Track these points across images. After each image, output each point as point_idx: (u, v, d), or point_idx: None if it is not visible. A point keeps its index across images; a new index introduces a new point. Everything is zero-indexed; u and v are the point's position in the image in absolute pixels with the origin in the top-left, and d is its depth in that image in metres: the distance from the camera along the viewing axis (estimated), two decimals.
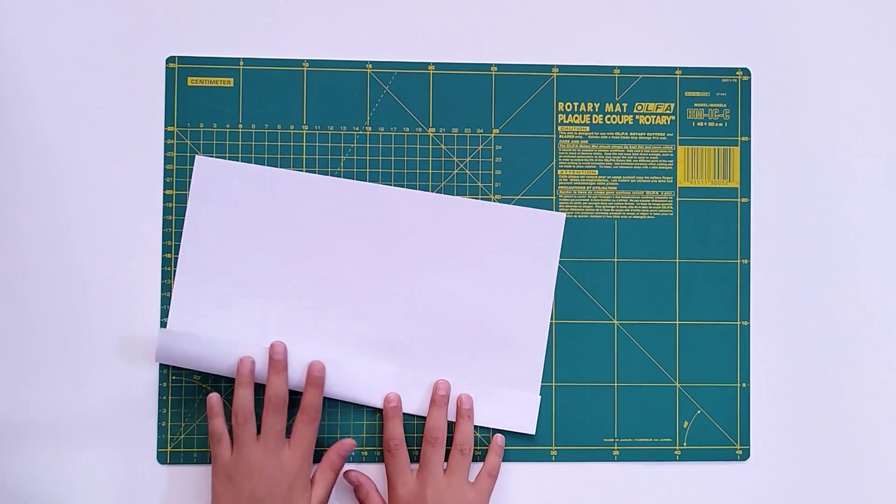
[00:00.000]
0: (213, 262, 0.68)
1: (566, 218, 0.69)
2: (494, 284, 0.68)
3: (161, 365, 0.68)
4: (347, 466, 0.67)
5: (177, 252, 0.68)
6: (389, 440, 0.66)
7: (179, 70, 0.69)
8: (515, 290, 0.69)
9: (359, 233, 0.68)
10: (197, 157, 0.68)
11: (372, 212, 0.68)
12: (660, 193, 0.70)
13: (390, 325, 0.68)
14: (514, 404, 0.68)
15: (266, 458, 0.63)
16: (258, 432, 0.64)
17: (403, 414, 0.68)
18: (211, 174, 0.68)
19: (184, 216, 0.68)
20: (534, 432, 0.68)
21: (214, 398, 0.65)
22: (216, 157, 0.68)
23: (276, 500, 0.62)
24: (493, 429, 0.69)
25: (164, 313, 0.68)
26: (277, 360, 0.64)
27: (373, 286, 0.68)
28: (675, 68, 0.70)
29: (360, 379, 0.68)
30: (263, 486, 0.62)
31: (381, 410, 0.68)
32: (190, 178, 0.68)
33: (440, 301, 0.68)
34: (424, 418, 0.68)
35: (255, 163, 0.69)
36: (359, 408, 0.68)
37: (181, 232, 0.68)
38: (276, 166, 0.69)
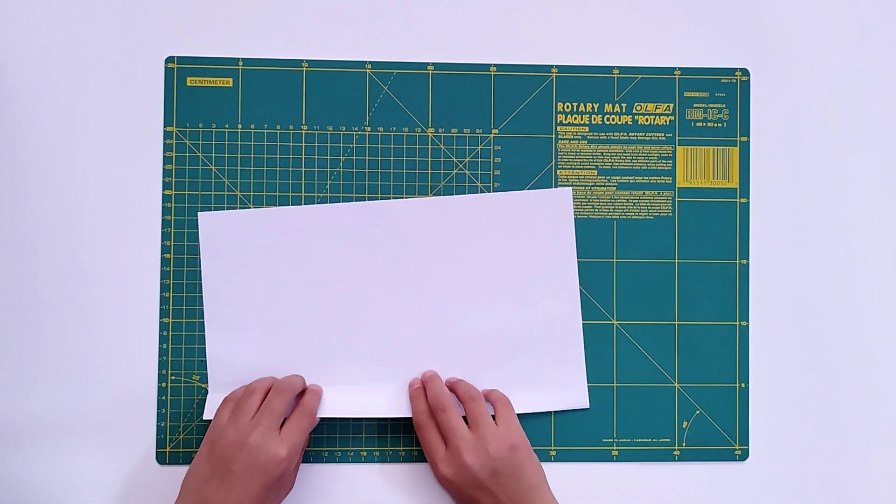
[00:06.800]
0: (238, 312, 0.67)
1: None
2: (517, 272, 0.68)
3: (161, 365, 0.68)
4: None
5: (176, 252, 0.68)
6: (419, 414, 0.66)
7: (179, 70, 0.69)
8: (539, 272, 0.68)
9: (370, 252, 0.68)
10: (199, 213, 0.68)
11: (379, 228, 0.68)
12: (659, 194, 0.70)
13: (422, 336, 0.68)
14: (561, 383, 0.68)
15: (251, 434, 0.60)
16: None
17: None
18: (216, 227, 0.68)
19: (183, 216, 0.68)
20: (587, 405, 0.69)
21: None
22: (215, 166, 0.68)
23: (252, 485, 0.60)
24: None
25: (164, 313, 0.68)
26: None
27: (397, 301, 0.68)
28: (675, 68, 0.70)
29: (395, 393, 0.68)
30: (241, 462, 0.60)
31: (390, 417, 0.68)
32: (189, 178, 0.68)
33: (468, 302, 0.68)
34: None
35: (254, 163, 0.69)
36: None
37: (181, 232, 0.68)
38: (276, 166, 0.69)
